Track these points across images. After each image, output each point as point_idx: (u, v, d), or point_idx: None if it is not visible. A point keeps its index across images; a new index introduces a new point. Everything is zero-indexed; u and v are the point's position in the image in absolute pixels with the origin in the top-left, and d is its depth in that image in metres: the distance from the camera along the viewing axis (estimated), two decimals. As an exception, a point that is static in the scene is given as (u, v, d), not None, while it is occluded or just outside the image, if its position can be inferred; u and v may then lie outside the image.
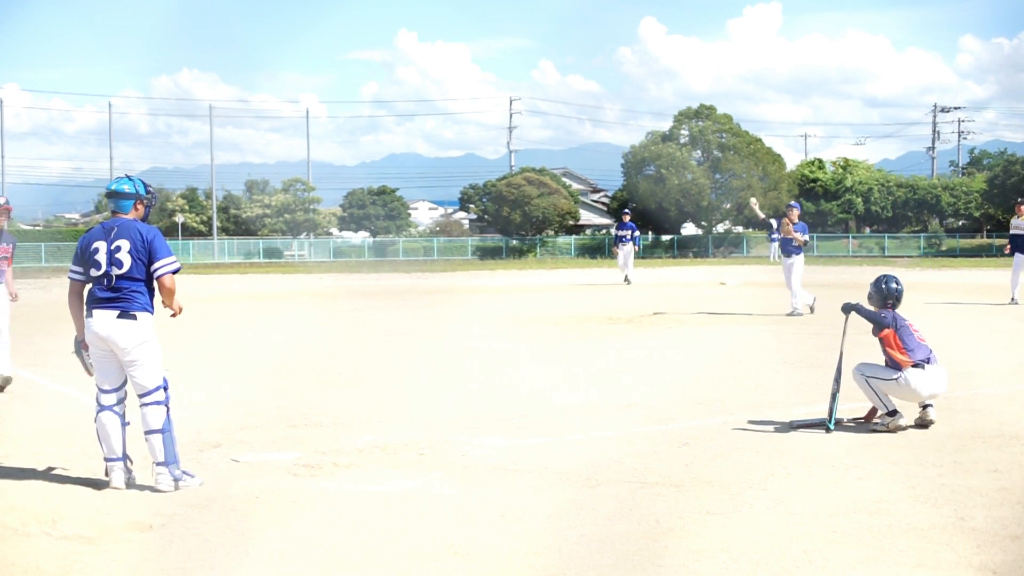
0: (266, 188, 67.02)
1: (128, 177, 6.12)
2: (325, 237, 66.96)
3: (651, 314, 17.01)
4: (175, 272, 5.91)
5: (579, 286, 27.03)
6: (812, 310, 16.15)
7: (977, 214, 65.31)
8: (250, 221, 65.18)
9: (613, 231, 27.27)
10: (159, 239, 5.89)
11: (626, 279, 26.29)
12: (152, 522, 5.12)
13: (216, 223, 65.77)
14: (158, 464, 5.76)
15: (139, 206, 6.02)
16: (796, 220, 16.59)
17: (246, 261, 56.20)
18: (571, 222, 64.68)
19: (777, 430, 7.25)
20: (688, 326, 15.05)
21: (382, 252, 61.25)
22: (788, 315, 16.01)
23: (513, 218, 61.08)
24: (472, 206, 71.33)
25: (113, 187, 6.01)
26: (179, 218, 64.33)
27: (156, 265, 5.82)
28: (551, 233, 63.31)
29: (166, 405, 5.89)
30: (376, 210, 67.31)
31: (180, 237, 62.22)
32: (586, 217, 73.05)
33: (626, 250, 26.50)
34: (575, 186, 75.41)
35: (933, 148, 79.54)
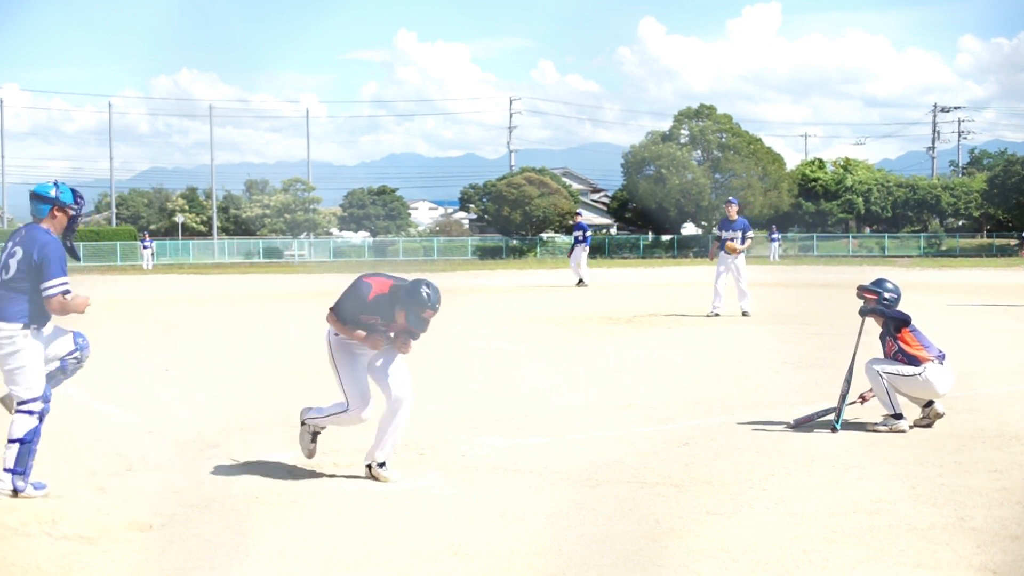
0: (266, 188, 67.06)
1: (57, 183, 5.82)
2: (325, 237, 66.99)
3: (651, 314, 17.00)
4: (65, 295, 5.55)
5: (579, 286, 27.02)
6: (717, 314, 15.89)
7: (977, 214, 65.37)
8: (250, 221, 65.21)
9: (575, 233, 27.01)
10: (52, 258, 5.53)
11: (580, 281, 26.00)
12: (152, 522, 5.12)
13: (216, 223, 65.81)
14: (4, 470, 5.50)
15: (57, 213, 5.71)
16: (735, 217, 16.30)
17: (246, 261, 56.21)
18: (571, 222, 64.70)
19: (777, 430, 7.25)
20: (688, 326, 15.05)
21: (382, 252, 61.28)
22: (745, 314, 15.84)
23: (513, 218, 61.13)
24: (472, 206, 71.41)
25: (34, 189, 5.72)
26: (179, 218, 64.39)
27: (44, 286, 5.50)
28: (551, 233, 63.35)
29: (39, 417, 5.56)
30: (376, 210, 67.35)
31: (180, 237, 62.26)
32: (586, 217, 73.11)
33: (578, 250, 26.35)
34: (575, 186, 75.47)
35: (933, 148, 79.59)
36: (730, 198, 17.13)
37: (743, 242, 15.98)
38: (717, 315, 15.91)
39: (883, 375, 7.21)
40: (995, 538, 4.76)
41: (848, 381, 7.28)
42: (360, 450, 6.72)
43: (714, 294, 16.10)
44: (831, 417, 7.23)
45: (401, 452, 6.67)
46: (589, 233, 27.16)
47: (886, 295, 7.45)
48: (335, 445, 6.86)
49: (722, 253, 16.12)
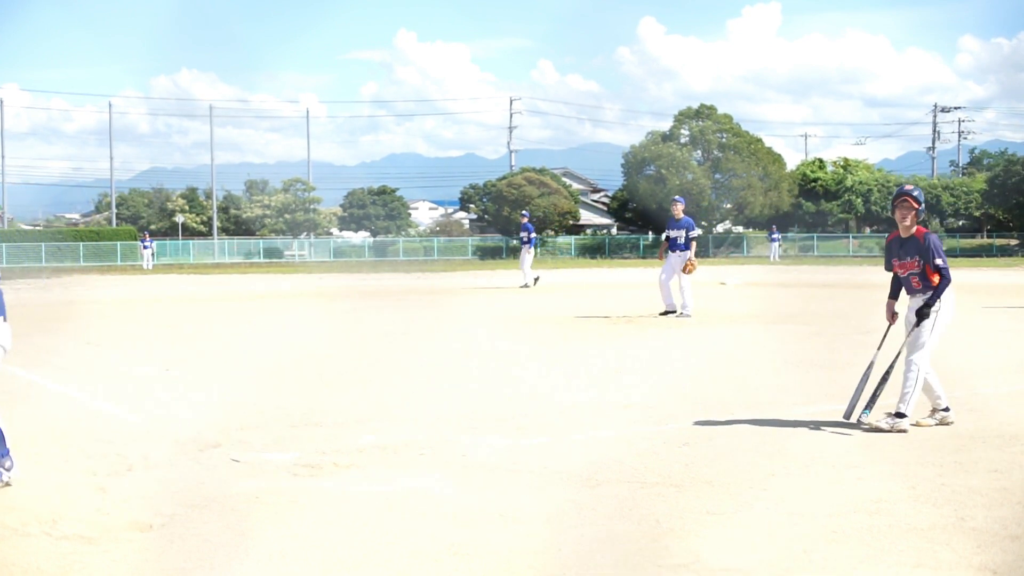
0: (266, 188, 67.09)
1: None
2: (325, 237, 67.00)
3: (651, 314, 16.99)
4: None
5: (579, 286, 27.03)
6: (685, 313, 16.02)
7: (977, 214, 65.39)
8: (250, 221, 65.22)
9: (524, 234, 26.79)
10: None
11: (531, 281, 25.76)
12: (152, 522, 5.12)
13: (216, 223, 65.83)
14: None
15: None
16: (680, 216, 16.47)
17: (246, 261, 56.20)
18: (571, 222, 64.77)
19: (777, 430, 7.25)
20: (688, 326, 15.05)
21: (382, 252, 61.29)
22: (673, 315, 16.03)
23: (513, 218, 61.11)
24: (472, 206, 71.44)
25: None
26: (179, 218, 64.43)
27: None
28: (551, 233, 63.36)
29: None
30: (376, 210, 67.37)
31: (180, 237, 62.28)
32: (586, 217, 73.16)
33: (523, 252, 26.00)
34: (575, 186, 75.48)
35: (933, 148, 79.62)
36: (676, 197, 17.51)
37: (687, 241, 16.27)
38: (688, 315, 16.06)
39: (920, 365, 7.12)
40: (995, 538, 4.75)
41: (884, 370, 7.28)
42: (360, 450, 6.72)
43: (676, 298, 16.38)
44: (862, 409, 7.19)
45: (401, 452, 6.67)
46: (534, 235, 26.93)
47: (922, 204, 7.30)
48: (335, 445, 6.86)
49: (668, 257, 16.36)
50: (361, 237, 69.64)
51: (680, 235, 16.30)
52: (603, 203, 78.46)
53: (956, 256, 53.07)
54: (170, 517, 5.21)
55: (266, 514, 5.26)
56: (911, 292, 7.29)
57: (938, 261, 7.09)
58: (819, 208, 64.46)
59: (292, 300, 22.92)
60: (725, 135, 60.62)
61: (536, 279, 26.05)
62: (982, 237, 63.59)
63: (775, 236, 50.54)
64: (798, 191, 63.10)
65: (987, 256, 52.92)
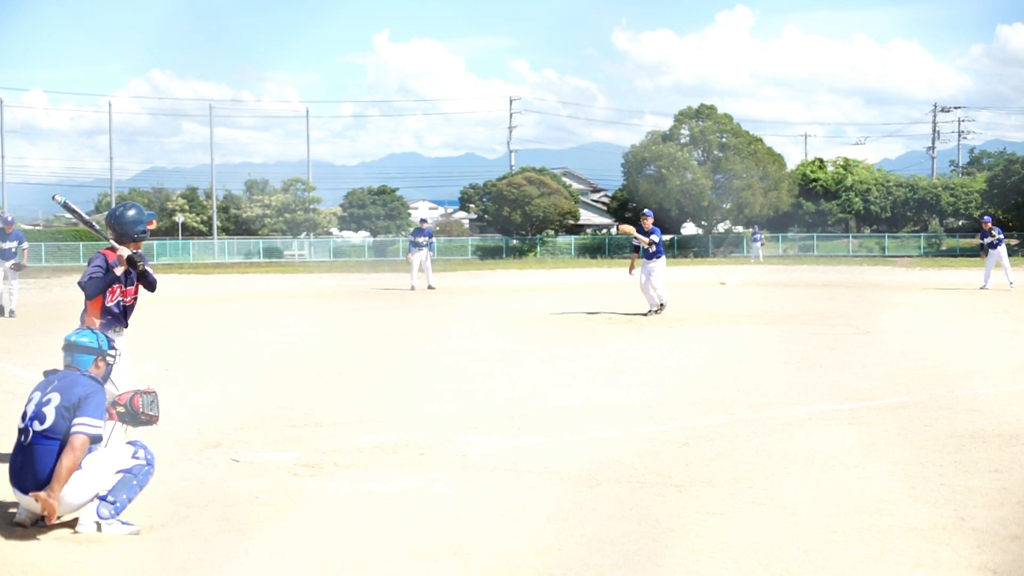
0: (266, 188, 67.05)
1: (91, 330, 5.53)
2: (325, 237, 66.97)
3: (651, 314, 17.00)
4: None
5: (579, 286, 27.03)
6: (661, 309, 16.75)
7: (977, 214, 65.31)
8: (250, 221, 65.21)
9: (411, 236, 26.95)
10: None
11: (429, 286, 25.73)
12: (152, 522, 5.12)
13: (216, 223, 65.81)
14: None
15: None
16: (649, 226, 17.18)
17: (246, 261, 56.17)
18: (571, 222, 64.69)
19: (777, 430, 7.25)
20: (688, 326, 15.05)
21: (382, 252, 61.24)
22: (653, 312, 16.65)
23: (513, 218, 61.10)
24: (472, 206, 71.41)
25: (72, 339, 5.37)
26: (179, 218, 64.39)
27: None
28: (551, 233, 63.32)
29: None
30: (376, 210, 67.31)
31: (180, 237, 62.29)
32: (586, 217, 73.09)
33: (421, 255, 25.93)
34: (575, 186, 75.44)
35: (933, 148, 79.57)
36: (646, 210, 18.32)
37: (658, 248, 17.10)
38: (664, 305, 16.78)
39: None
40: (995, 538, 4.76)
41: None
42: (360, 450, 6.73)
43: (648, 297, 17.01)
44: None
45: (401, 452, 6.67)
46: (433, 239, 27.04)
47: None
48: (335, 445, 6.86)
49: (644, 263, 17.05)
50: (361, 237, 69.58)
51: (650, 242, 17.13)
52: (603, 203, 78.40)
53: (956, 256, 53.09)
54: (170, 517, 5.21)
55: (266, 514, 5.26)
56: None
57: None
58: (819, 208, 64.43)
59: (292, 300, 22.91)
60: (725, 135, 60.59)
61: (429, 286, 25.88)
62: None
63: (757, 236, 50.34)
64: (798, 191, 63.08)
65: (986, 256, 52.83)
